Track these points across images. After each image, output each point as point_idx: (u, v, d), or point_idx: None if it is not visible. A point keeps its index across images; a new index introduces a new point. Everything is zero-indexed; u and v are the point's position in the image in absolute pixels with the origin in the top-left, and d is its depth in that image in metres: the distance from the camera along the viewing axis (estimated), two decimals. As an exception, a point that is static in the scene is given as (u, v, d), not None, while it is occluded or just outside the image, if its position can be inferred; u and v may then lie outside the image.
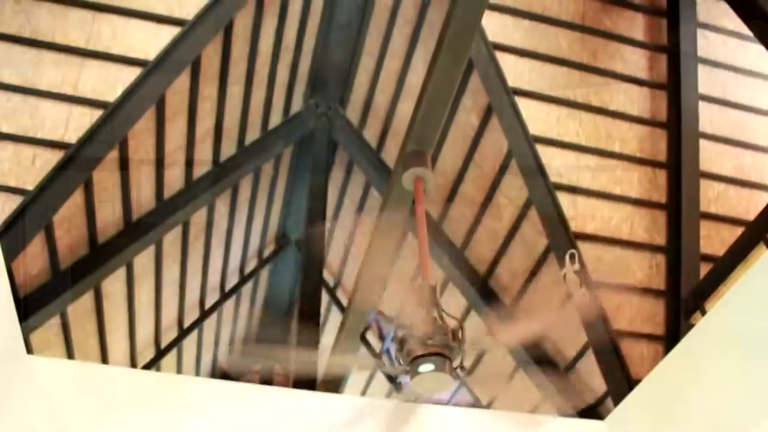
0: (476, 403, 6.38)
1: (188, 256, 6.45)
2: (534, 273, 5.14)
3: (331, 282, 8.17)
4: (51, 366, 3.61)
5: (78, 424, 3.36)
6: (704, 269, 4.80)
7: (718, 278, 4.51)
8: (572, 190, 4.93)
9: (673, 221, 4.97)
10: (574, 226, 4.81)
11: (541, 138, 4.93)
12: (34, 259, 4.29)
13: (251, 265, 8.31)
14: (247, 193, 7.11)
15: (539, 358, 4.58)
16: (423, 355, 2.75)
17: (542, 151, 4.88)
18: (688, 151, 5.02)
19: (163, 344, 6.97)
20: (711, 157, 5.18)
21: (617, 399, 4.22)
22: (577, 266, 4.60)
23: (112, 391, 3.57)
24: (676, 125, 5.10)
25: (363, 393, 8.03)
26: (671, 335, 4.70)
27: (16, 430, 3.25)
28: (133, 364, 6.41)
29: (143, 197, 5.21)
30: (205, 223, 6.51)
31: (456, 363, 2.80)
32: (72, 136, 4.25)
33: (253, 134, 6.33)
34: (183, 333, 7.24)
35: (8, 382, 3.34)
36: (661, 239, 5.00)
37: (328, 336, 7.68)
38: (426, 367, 2.73)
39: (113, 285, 5.40)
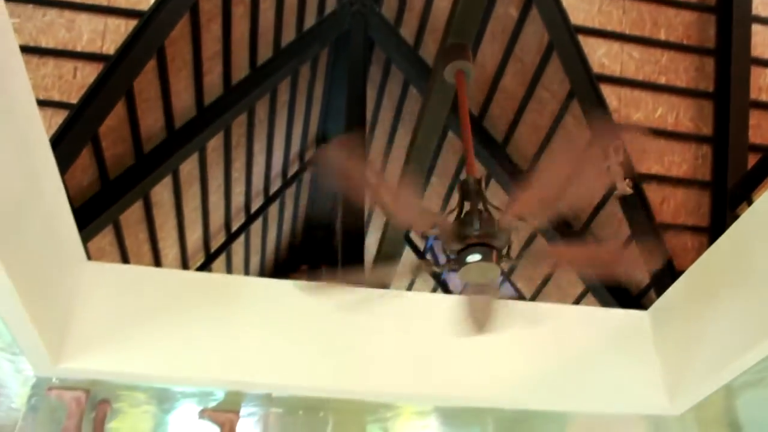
0: (519, 298, 6.51)
1: (232, 162, 6.55)
2: (578, 169, 5.08)
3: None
4: (110, 271, 3.76)
5: (136, 324, 3.54)
6: (752, 160, 4.70)
7: (766, 168, 4.42)
8: (615, 80, 4.81)
9: (720, 110, 4.83)
10: (618, 117, 4.72)
11: (583, 28, 4.78)
12: (84, 171, 4.41)
13: (294, 168, 8.40)
14: (286, 97, 7.10)
15: (586, 256, 4.59)
16: (469, 246, 2.79)
17: (584, 41, 4.74)
18: (739, 35, 4.81)
19: (213, 249, 7.19)
20: (763, 41, 4.96)
21: (660, 291, 4.25)
22: (621, 158, 4.54)
23: (167, 292, 3.72)
24: (726, 8, 4.87)
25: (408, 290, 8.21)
26: (716, 226, 4.67)
27: (79, 332, 3.45)
28: (185, 269, 6.65)
29: (184, 105, 5.26)
30: (246, 128, 6.56)
31: (502, 252, 2.83)
32: (110, 48, 4.27)
33: (288, 36, 6.25)
34: (231, 237, 7.45)
35: (72, 286, 3.52)
36: (707, 129, 4.88)
37: (372, 237, 7.82)
38: (473, 257, 2.77)
39: (161, 193, 5.54)
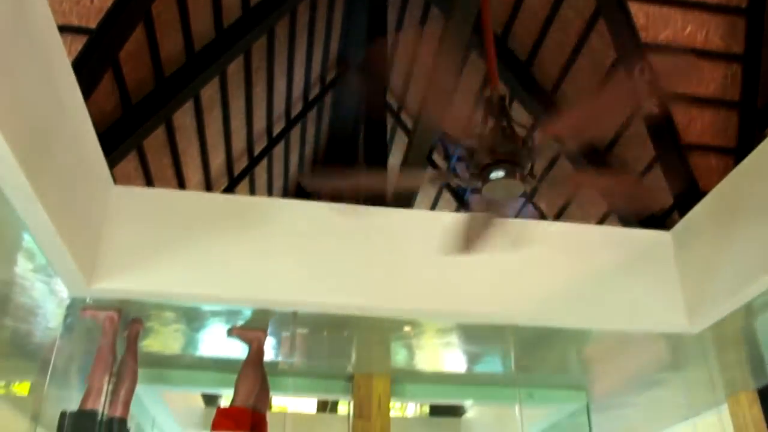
0: (541, 218, 6.52)
1: (252, 85, 6.51)
2: (602, 87, 5.00)
3: (394, 106, 8.16)
4: (137, 194, 3.83)
5: (165, 245, 3.62)
6: (784, 79, 4.59)
7: (798, 87, 4.32)
8: (643, -3, 4.66)
9: (753, 27, 4.67)
10: (645, 36, 4.59)
11: (610, -59, 4.60)
12: (106, 96, 4.42)
13: (315, 91, 8.34)
14: (306, 18, 6.98)
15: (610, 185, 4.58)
16: (493, 163, 2.78)
17: (611, -45, 4.58)
18: (775, -54, 4.61)
19: (236, 173, 7.24)
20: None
21: (684, 212, 4.24)
22: (647, 77, 4.45)
23: (194, 214, 3.79)
24: None
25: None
26: (743, 147, 4.60)
27: (111, 254, 3.55)
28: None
29: (203, 28, 5.21)
30: (266, 51, 6.49)
31: (526, 170, 2.83)
32: (126, -30, 4.20)
33: (306, -46, 6.11)
34: (253, 161, 7.48)
35: (101, 210, 3.60)
36: (738, 48, 4.74)
37: (394, 159, 7.82)
38: (496, 174, 2.77)
39: (183, 118, 5.56)
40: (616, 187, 3.25)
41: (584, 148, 5.24)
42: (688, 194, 4.58)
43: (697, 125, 4.80)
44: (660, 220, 5.01)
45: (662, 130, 4.75)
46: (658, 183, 4.87)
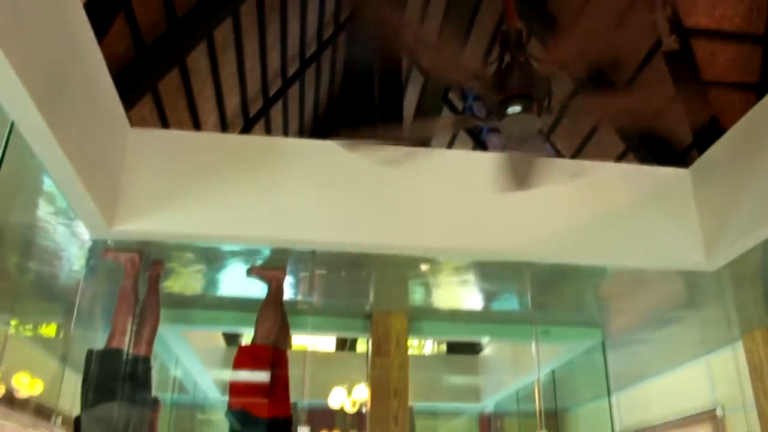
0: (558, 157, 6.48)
1: (266, 26, 6.43)
2: (621, 21, 4.88)
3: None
4: (154, 136, 3.84)
5: (184, 186, 3.65)
6: (813, 10, 4.44)
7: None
8: (667, -74, 4.50)
9: (780, -44, 4.52)
10: (667, -34, 4.46)
11: None
12: (119, 38, 4.39)
13: (329, 30, 8.23)
14: (319, -44, 6.85)
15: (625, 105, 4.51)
16: (509, 98, 2.75)
17: None
18: None
19: (251, 114, 7.22)
20: None
21: (703, 149, 4.19)
22: (668, 11, 4.35)
23: (212, 155, 3.79)
24: None
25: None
26: (766, 84, 4.50)
27: (130, 195, 3.58)
28: (226, 135, 6.71)
29: (214, -34, 5.12)
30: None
31: (543, 105, 2.80)
32: None
33: None
34: (268, 102, 7.45)
35: (119, 152, 3.62)
36: (764, -22, 4.59)
37: (410, 98, 7.75)
38: (513, 109, 2.74)
39: (197, 60, 5.52)
40: (635, 106, 3.19)
41: (601, 84, 5.16)
42: (708, 131, 4.52)
43: (718, 61, 4.69)
44: (679, 157, 4.97)
45: (682, 67, 4.66)
46: (679, 119, 4.80)
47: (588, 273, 4.20)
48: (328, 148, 3.84)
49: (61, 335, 5.61)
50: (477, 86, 2.84)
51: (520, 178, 3.12)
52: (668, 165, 4.41)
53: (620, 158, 5.67)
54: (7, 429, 5.85)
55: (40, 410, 5.43)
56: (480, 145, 7.54)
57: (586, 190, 3.91)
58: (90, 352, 3.62)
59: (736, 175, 3.78)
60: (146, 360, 3.73)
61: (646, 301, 4.79)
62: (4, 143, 2.64)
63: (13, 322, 5.54)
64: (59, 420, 4.44)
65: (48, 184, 3.12)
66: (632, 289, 4.57)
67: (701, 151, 4.22)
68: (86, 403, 3.44)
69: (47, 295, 4.78)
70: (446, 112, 6.70)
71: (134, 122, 3.82)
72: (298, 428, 3.90)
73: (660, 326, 5.31)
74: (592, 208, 3.90)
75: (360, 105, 8.15)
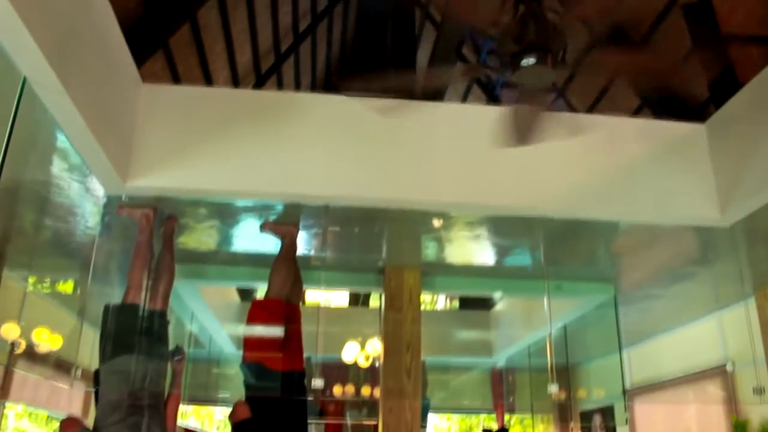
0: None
1: (277, -21, 6.35)
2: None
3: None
4: (166, 92, 3.82)
5: (197, 142, 3.65)
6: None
7: None
8: None
9: None
10: None
11: None
12: (128, -8, 4.35)
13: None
14: None
15: (640, 63, 4.45)
16: (524, 50, 2.72)
17: None
18: None
19: (263, 70, 7.17)
20: None
21: (720, 104, 4.13)
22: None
23: (224, 111, 3.78)
24: None
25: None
26: (786, 35, 4.41)
27: (144, 151, 3.59)
28: (238, 91, 6.67)
29: None
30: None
31: (557, 57, 2.76)
32: None
33: None
34: (280, 58, 7.39)
35: (131, 108, 3.61)
36: (788, -75, 4.46)
37: (423, 52, 7.65)
38: (527, 61, 2.71)
39: (208, 15, 5.46)
40: (651, 65, 3.15)
41: (618, 38, 5.07)
42: (726, 86, 4.45)
43: (738, 14, 4.59)
44: (696, 112, 4.90)
45: (700, 20, 4.57)
46: (695, 74, 4.73)
47: (601, 228, 4.20)
48: (341, 102, 3.82)
49: (78, 291, 5.69)
50: (493, 33, 2.80)
51: (521, 132, 3.09)
52: (684, 120, 4.36)
53: (635, 113, 5.60)
54: (30, 381, 5.99)
55: (60, 364, 5.55)
56: (494, 100, 7.47)
57: (600, 145, 3.88)
58: (107, 307, 3.69)
59: (752, 130, 3.74)
60: (162, 315, 3.79)
61: (658, 257, 4.79)
62: (16, 99, 2.64)
63: (31, 280, 5.63)
64: (79, 372, 4.54)
65: (61, 140, 3.14)
66: (645, 245, 4.56)
67: (718, 106, 4.17)
68: (104, 356, 3.52)
69: (63, 251, 4.84)
70: (460, 66, 6.61)
71: (146, 79, 3.80)
72: (312, 381, 3.97)
73: (672, 282, 5.32)
74: (605, 163, 3.87)
75: (373, 59, 8.07)
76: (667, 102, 5.07)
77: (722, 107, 4.05)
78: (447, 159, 3.76)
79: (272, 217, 4.06)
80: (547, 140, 3.09)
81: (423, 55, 7.53)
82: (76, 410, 6.96)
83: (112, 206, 3.88)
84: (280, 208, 3.94)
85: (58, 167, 3.50)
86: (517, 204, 3.78)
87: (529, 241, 4.55)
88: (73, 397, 6.80)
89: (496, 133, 3.12)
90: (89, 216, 4.16)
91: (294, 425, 3.88)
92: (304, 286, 4.35)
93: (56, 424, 7.13)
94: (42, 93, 2.65)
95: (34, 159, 3.43)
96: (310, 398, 4.10)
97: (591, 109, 6.16)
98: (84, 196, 3.82)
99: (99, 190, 3.65)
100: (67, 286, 6.10)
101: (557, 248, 4.61)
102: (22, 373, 5.74)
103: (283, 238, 4.11)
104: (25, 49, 2.36)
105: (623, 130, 4.07)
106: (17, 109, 2.66)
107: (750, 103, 3.84)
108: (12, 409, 6.40)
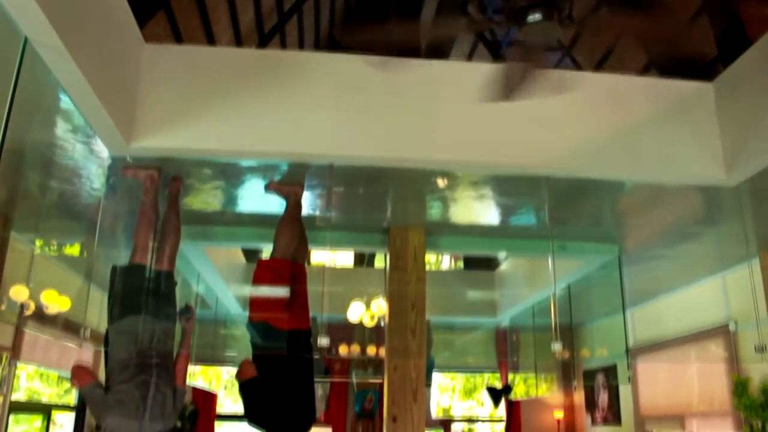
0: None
1: (278, -64, 6.25)
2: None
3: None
4: (169, 52, 3.78)
5: (200, 102, 3.63)
6: None
7: None
8: None
9: None
10: None
11: None
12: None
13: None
14: None
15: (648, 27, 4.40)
16: (530, 5, 2.68)
17: None
18: None
19: (266, 30, 7.10)
20: None
21: (729, 63, 4.08)
22: None
23: (228, 70, 3.75)
24: None
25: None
26: (797, -9, 4.34)
27: (147, 112, 3.58)
28: (241, 52, 6.61)
29: None
30: None
31: (564, 13, 2.73)
32: None
33: None
34: (284, 17, 7.31)
35: (134, 69, 3.59)
36: None
37: (427, 11, 7.55)
38: (533, 17, 2.68)
39: (210, -27, 5.40)
40: (656, 29, 3.10)
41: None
42: (735, 44, 4.39)
43: (749, -30, 4.51)
44: (704, 71, 4.85)
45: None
46: (705, 32, 4.67)
47: (606, 188, 4.19)
48: (345, 61, 3.78)
49: (85, 254, 5.73)
50: None
51: (510, 88, 3.04)
52: (692, 79, 4.32)
53: (643, 72, 5.55)
54: (40, 340, 6.08)
55: (68, 326, 5.62)
56: (499, 58, 7.40)
57: (607, 104, 3.85)
58: (114, 268, 3.71)
59: (760, 89, 3.69)
60: (169, 275, 3.81)
61: (663, 217, 4.78)
62: (18, 59, 2.63)
63: (38, 243, 5.67)
64: (88, 332, 4.60)
65: (65, 102, 3.13)
66: (650, 205, 4.55)
67: (726, 65, 4.12)
68: (112, 317, 3.55)
69: (69, 214, 4.86)
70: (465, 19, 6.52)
71: (148, 39, 3.77)
72: (318, 339, 4.01)
73: (677, 242, 5.32)
74: (612, 121, 3.84)
75: (376, 18, 7.96)
76: (675, 60, 5.02)
77: (731, 65, 4.00)
78: (452, 118, 3.73)
79: (277, 177, 4.06)
80: (554, 98, 3.06)
81: (428, 14, 7.43)
82: (85, 370, 7.07)
83: (116, 168, 3.88)
84: (284, 167, 3.94)
85: (62, 129, 3.50)
86: (523, 163, 3.76)
87: (534, 200, 4.55)
88: (82, 357, 6.91)
89: (485, 87, 3.08)
90: (94, 178, 4.16)
91: (300, 383, 3.93)
92: (310, 246, 4.36)
93: (67, 384, 7.26)
94: (44, 53, 2.63)
95: (37, 120, 3.43)
96: (315, 356, 4.14)
97: (598, 67, 6.11)
98: (88, 157, 3.82)
99: (103, 152, 3.65)
100: (73, 249, 6.15)
101: (562, 208, 4.60)
102: (32, 334, 5.82)
103: (287, 198, 4.11)
104: (26, 9, 2.34)
105: (630, 89, 4.03)
106: (19, 69, 2.65)
107: (759, 61, 3.79)
108: (23, 369, 6.50)
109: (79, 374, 3.43)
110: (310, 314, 4.15)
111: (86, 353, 6.58)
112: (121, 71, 3.40)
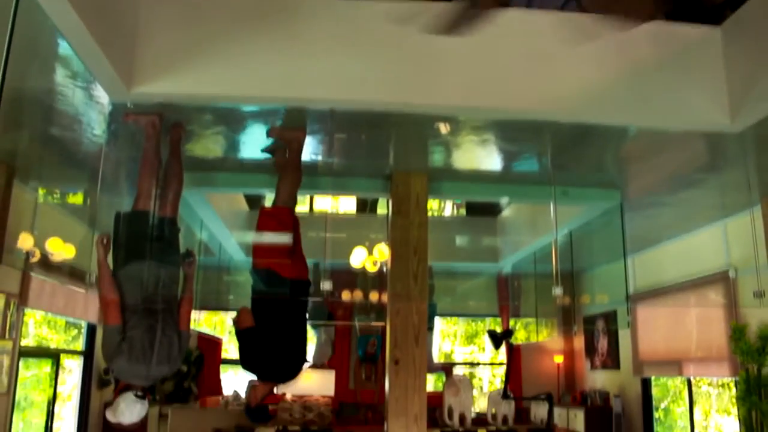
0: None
1: None
2: None
3: None
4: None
5: (200, 47, 3.56)
6: None
7: None
8: None
9: None
10: None
11: None
12: None
13: None
14: None
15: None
16: None
17: None
18: None
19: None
20: None
21: (736, 7, 4.00)
22: None
23: (227, 14, 3.63)
24: None
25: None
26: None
27: (147, 57, 3.53)
28: None
29: None
30: None
31: None
32: None
33: None
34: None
35: (133, 13, 3.50)
36: None
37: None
38: None
39: None
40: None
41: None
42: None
43: None
44: (712, 15, 4.76)
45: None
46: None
47: (609, 133, 4.17)
48: (345, 6, 3.72)
49: (88, 201, 5.75)
50: None
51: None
52: (700, 23, 4.24)
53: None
54: (46, 288, 6.15)
55: (74, 273, 5.67)
56: (503, 3, 7.27)
57: (612, 48, 3.79)
58: (118, 215, 3.73)
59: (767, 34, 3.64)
60: (172, 221, 3.84)
61: (666, 163, 4.77)
62: (14, 4, 2.59)
63: (41, 191, 5.68)
64: (93, 278, 4.64)
65: (63, 47, 3.09)
66: (653, 151, 4.54)
67: (734, 9, 4.04)
68: (117, 263, 3.59)
69: (71, 161, 4.85)
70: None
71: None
72: (321, 283, 4.05)
73: (679, 189, 5.32)
74: (616, 66, 3.79)
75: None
76: (682, 3, 4.92)
77: (738, 9, 3.93)
78: (454, 62, 3.68)
79: (278, 122, 4.04)
80: (552, 42, 2.99)
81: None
82: (92, 316, 7.17)
83: (117, 114, 3.86)
84: (285, 112, 3.91)
85: (61, 75, 3.47)
86: (526, 108, 3.73)
87: (536, 146, 4.53)
88: (89, 303, 7.00)
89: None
90: (95, 124, 4.15)
91: (294, 332, 3.99)
92: (311, 192, 4.37)
93: (74, 332, 7.36)
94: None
95: (36, 67, 3.40)
96: (318, 299, 4.20)
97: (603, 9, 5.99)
98: (89, 104, 3.80)
99: (104, 98, 3.63)
100: (77, 198, 6.17)
101: (565, 154, 4.59)
102: (38, 281, 5.89)
103: (289, 144, 4.10)
104: (20, -50, 2.30)
105: (635, 34, 3.96)
106: (15, 14, 2.61)
107: (767, 5, 3.72)
108: (32, 317, 6.59)
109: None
110: (314, 260, 4.19)
111: (93, 300, 6.66)
112: (119, 15, 3.35)
